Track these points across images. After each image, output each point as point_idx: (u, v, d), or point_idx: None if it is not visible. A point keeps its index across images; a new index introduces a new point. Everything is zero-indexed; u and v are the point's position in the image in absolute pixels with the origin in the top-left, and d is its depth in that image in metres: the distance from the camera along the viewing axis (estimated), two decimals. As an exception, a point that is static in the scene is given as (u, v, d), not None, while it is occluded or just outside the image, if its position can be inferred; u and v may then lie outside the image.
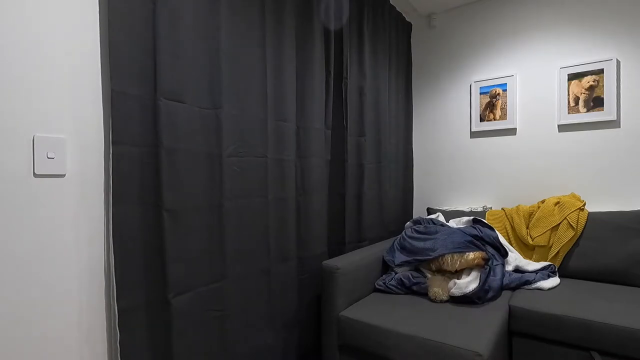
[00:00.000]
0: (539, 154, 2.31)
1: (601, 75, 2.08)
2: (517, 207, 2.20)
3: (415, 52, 2.81)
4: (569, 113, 2.18)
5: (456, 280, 1.65)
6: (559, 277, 1.86)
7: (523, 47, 2.35)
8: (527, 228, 2.09)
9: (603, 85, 2.07)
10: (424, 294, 1.71)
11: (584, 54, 2.15)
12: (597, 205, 2.11)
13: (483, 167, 2.52)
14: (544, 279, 1.78)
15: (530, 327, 1.54)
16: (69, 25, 1.00)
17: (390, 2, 2.45)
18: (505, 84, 2.39)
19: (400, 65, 2.60)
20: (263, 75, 1.50)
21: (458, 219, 2.16)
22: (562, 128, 2.22)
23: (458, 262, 1.72)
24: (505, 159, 2.43)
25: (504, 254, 1.88)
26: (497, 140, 2.46)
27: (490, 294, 1.61)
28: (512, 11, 2.40)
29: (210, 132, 1.29)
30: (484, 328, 1.36)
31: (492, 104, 2.45)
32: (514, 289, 1.78)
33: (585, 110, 2.13)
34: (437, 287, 1.65)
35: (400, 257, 1.88)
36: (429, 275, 1.78)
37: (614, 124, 2.07)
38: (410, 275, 1.78)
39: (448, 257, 1.74)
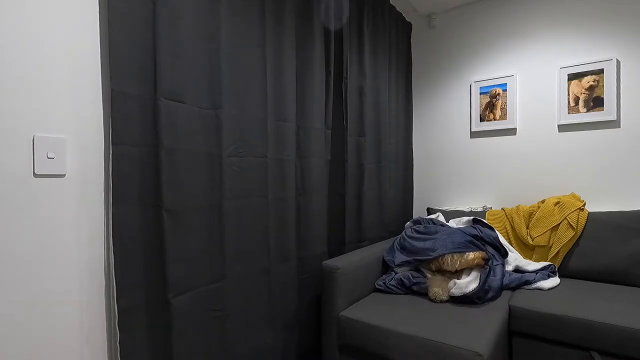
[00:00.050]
0: (539, 154, 2.31)
1: (601, 75, 2.08)
2: (517, 207, 2.20)
3: (415, 52, 2.81)
4: (569, 113, 2.18)
5: (456, 280, 1.65)
6: (559, 277, 1.86)
7: (523, 47, 2.35)
8: (527, 228, 2.09)
9: (603, 85, 2.07)
10: (424, 294, 1.71)
11: (584, 54, 2.15)
12: (597, 205, 2.11)
13: (483, 167, 2.52)
14: (544, 279, 1.78)
15: (530, 327, 1.54)
16: (69, 25, 1.00)
17: (390, 2, 2.45)
18: (505, 84, 2.39)
19: (400, 65, 2.60)
20: (263, 75, 1.50)
21: (458, 219, 2.16)
22: (562, 128, 2.22)
23: (458, 262, 1.72)
24: (505, 159, 2.43)
25: (504, 254, 1.88)
26: (497, 140, 2.46)
27: (490, 294, 1.61)
28: (512, 11, 2.40)
29: (210, 132, 1.29)
30: (484, 328, 1.36)
31: (492, 104, 2.45)
32: (514, 289, 1.78)
33: (585, 110, 2.13)
34: (437, 287, 1.65)
35: (400, 257, 1.88)
36: (429, 275, 1.78)
37: (614, 124, 2.07)
38: (410, 275, 1.78)
39: (448, 257, 1.74)
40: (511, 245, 2.06)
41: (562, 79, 2.19)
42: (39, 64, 0.94)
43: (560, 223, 1.97)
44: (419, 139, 2.82)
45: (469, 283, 1.62)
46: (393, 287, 1.77)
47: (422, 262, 1.84)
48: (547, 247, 1.99)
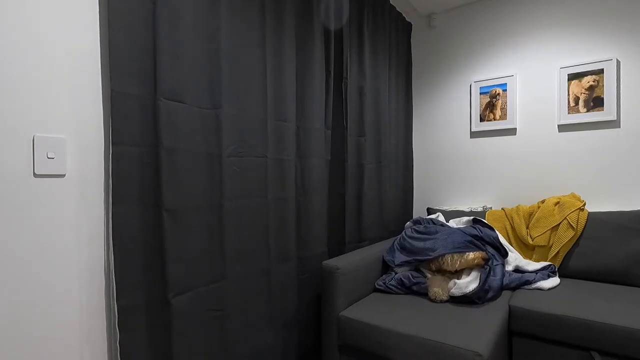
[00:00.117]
0: (539, 154, 2.31)
1: (601, 75, 2.08)
2: (517, 207, 2.20)
3: (415, 52, 2.81)
4: (569, 113, 2.18)
5: (456, 280, 1.65)
6: (559, 277, 1.86)
7: (523, 47, 2.35)
8: (527, 228, 2.09)
9: (603, 85, 2.07)
10: (424, 294, 1.71)
11: (584, 54, 2.15)
12: (597, 205, 2.11)
13: (483, 167, 2.52)
14: (544, 279, 1.78)
15: (530, 327, 1.54)
16: (69, 25, 1.00)
17: (390, 2, 2.45)
18: (505, 84, 2.39)
19: (400, 65, 2.60)
20: (263, 75, 1.50)
21: (458, 219, 2.16)
22: (562, 128, 2.22)
23: (458, 262, 1.72)
24: (505, 159, 2.43)
25: (504, 254, 1.88)
26: (497, 140, 2.46)
27: (490, 294, 1.61)
28: (512, 11, 2.40)
29: (210, 132, 1.29)
30: (484, 328, 1.36)
31: (492, 104, 2.45)
32: (514, 289, 1.78)
33: (585, 110, 2.13)
34: (437, 287, 1.65)
35: (400, 257, 1.88)
36: (429, 275, 1.78)
37: (614, 124, 2.07)
38: (410, 275, 1.78)
39: (448, 257, 1.74)
40: (511, 245, 2.06)
41: (562, 79, 2.19)
42: (39, 64, 0.94)
43: (560, 223, 1.97)
44: (419, 139, 2.82)
45: (469, 283, 1.62)
46: (393, 287, 1.77)
47: (422, 262, 1.84)
48: (547, 247, 1.99)
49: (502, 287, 1.71)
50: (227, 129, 1.34)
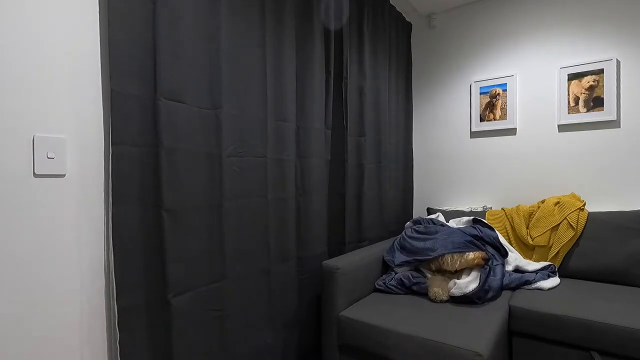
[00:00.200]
0: (539, 154, 2.31)
1: (601, 75, 2.08)
2: (517, 207, 2.20)
3: (415, 52, 2.81)
4: (569, 113, 2.18)
5: (456, 280, 1.65)
6: (559, 277, 1.86)
7: (523, 47, 2.35)
8: (527, 228, 2.09)
9: (603, 85, 2.07)
10: (424, 294, 1.71)
11: (584, 54, 2.15)
12: (597, 205, 2.11)
13: (483, 167, 2.52)
14: (544, 279, 1.78)
15: (530, 327, 1.54)
16: (69, 25, 1.00)
17: (390, 2, 2.45)
18: (505, 84, 2.39)
19: (400, 65, 2.60)
20: (263, 75, 1.50)
21: (458, 219, 2.16)
22: (562, 128, 2.22)
23: (458, 262, 1.72)
24: (505, 159, 2.43)
25: (504, 254, 1.88)
26: (497, 140, 2.46)
27: (490, 294, 1.61)
28: (512, 11, 2.40)
29: (210, 132, 1.29)
30: (484, 328, 1.36)
31: (492, 104, 2.45)
32: (514, 289, 1.78)
33: (585, 110, 2.13)
34: (437, 287, 1.65)
35: (400, 257, 1.88)
36: (429, 275, 1.78)
37: (614, 124, 2.07)
38: (410, 275, 1.78)
39: (448, 257, 1.74)
40: (511, 245, 2.06)
41: (562, 79, 2.19)
42: (39, 64, 0.94)
43: (560, 223, 1.97)
44: (419, 139, 2.82)
45: (469, 283, 1.62)
46: (393, 287, 1.77)
47: (422, 262, 1.84)
48: (547, 247, 1.99)
49: (502, 287, 1.71)
50: (227, 129, 1.34)
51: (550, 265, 1.89)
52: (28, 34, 0.92)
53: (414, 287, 1.74)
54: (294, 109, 1.65)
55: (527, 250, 2.06)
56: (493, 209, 2.38)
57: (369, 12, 2.19)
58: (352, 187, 2.05)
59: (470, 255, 1.71)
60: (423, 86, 2.79)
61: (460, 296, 1.59)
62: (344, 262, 1.65)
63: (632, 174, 2.03)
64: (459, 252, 1.73)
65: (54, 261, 0.97)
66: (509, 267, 1.89)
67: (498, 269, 1.73)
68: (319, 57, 1.79)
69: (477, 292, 1.58)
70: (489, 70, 2.48)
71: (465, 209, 2.41)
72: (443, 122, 2.69)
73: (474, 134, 2.55)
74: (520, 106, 2.37)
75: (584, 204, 2.00)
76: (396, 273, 1.85)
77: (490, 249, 1.85)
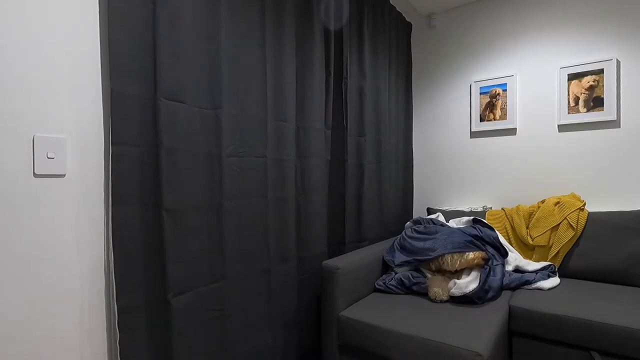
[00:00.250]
0: (539, 154, 2.31)
1: (601, 75, 2.08)
2: (517, 207, 2.20)
3: (415, 52, 2.81)
4: (569, 113, 2.18)
5: (456, 280, 1.65)
6: (559, 277, 1.86)
7: (523, 47, 2.35)
8: (527, 228, 2.09)
9: (603, 85, 2.07)
10: (424, 294, 1.71)
11: (584, 54, 2.15)
12: (597, 205, 2.11)
13: (483, 167, 2.52)
14: (544, 279, 1.78)
15: (530, 327, 1.54)
16: (69, 25, 1.00)
17: (390, 2, 2.45)
18: (505, 84, 2.39)
19: (400, 65, 2.60)
20: (263, 75, 1.50)
21: (458, 219, 2.16)
22: (562, 128, 2.22)
23: (458, 262, 1.72)
24: (505, 159, 2.43)
25: (504, 254, 1.88)
26: (497, 140, 2.46)
27: (490, 294, 1.61)
28: (512, 11, 2.40)
29: (210, 132, 1.29)
30: (484, 328, 1.36)
31: (492, 104, 2.45)
32: (514, 289, 1.78)
33: (585, 110, 2.13)
34: (437, 287, 1.65)
35: (400, 257, 1.88)
36: (429, 275, 1.78)
37: (614, 124, 2.07)
38: (410, 275, 1.78)
39: (448, 257, 1.74)
40: (511, 245, 2.06)
41: (562, 79, 2.19)
42: (39, 64, 0.94)
43: (560, 223, 1.97)
44: (419, 139, 2.82)
45: (469, 283, 1.62)
46: (393, 287, 1.77)
47: (422, 262, 1.84)
48: (547, 247, 1.99)
49: (502, 287, 1.71)
50: (227, 129, 1.34)
51: (550, 265, 1.89)
52: (28, 34, 0.92)
53: (414, 287, 1.74)
54: (294, 109, 1.65)
55: (527, 250, 2.06)
56: (493, 209, 2.38)
57: (369, 12, 2.19)
58: (352, 187, 2.05)
59: (470, 255, 1.71)
60: (423, 86, 2.79)
61: (460, 296, 1.59)
62: (344, 262, 1.65)
63: (632, 174, 2.03)
64: (459, 252, 1.73)
65: (54, 261, 0.97)
66: (509, 267, 1.89)
67: (498, 269, 1.73)
68: (319, 57, 1.79)
69: (477, 292, 1.58)
70: (489, 70, 2.48)
71: (465, 209, 2.41)
72: (443, 122, 2.69)
73: (474, 134, 2.55)
74: (520, 106, 2.37)
75: (584, 204, 2.00)
76: (396, 273, 1.85)
77: (490, 249, 1.85)
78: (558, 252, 1.94)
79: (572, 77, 2.16)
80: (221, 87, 1.31)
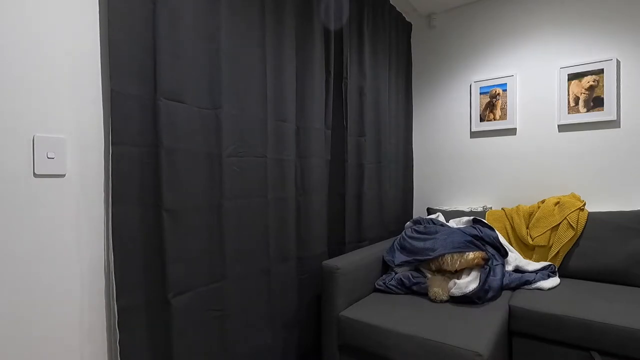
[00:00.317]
0: (539, 154, 2.31)
1: (601, 75, 2.08)
2: (517, 207, 2.20)
3: (415, 52, 2.81)
4: (569, 113, 2.18)
5: (456, 280, 1.65)
6: (559, 277, 1.86)
7: (523, 47, 2.35)
8: (527, 228, 2.09)
9: (603, 85, 2.07)
10: (424, 294, 1.71)
11: (584, 54, 2.15)
12: (597, 205, 2.11)
13: (483, 167, 2.52)
14: (544, 279, 1.78)
15: (530, 327, 1.54)
16: (69, 25, 1.00)
17: (390, 2, 2.45)
18: (505, 84, 2.39)
19: (400, 65, 2.60)
20: (263, 75, 1.50)
21: (458, 219, 2.16)
22: (562, 128, 2.22)
23: (458, 262, 1.72)
24: (505, 159, 2.43)
25: (504, 254, 1.88)
26: (497, 140, 2.46)
27: (490, 294, 1.61)
28: (512, 11, 2.40)
29: (210, 132, 1.29)
30: (484, 328, 1.36)
31: (492, 104, 2.45)
32: (514, 289, 1.78)
33: (585, 110, 2.13)
34: (437, 287, 1.65)
35: (400, 257, 1.88)
36: (429, 275, 1.78)
37: (614, 124, 2.07)
38: (410, 275, 1.78)
39: (448, 257, 1.74)
40: (511, 245, 2.06)
41: (562, 79, 2.19)
42: (39, 64, 0.94)
43: (560, 223, 1.97)
44: (419, 139, 2.82)
45: (469, 283, 1.62)
46: (393, 287, 1.77)
47: (422, 262, 1.84)
48: (547, 247, 1.99)
49: (502, 287, 1.71)
50: (227, 129, 1.34)
51: (550, 265, 1.89)
52: (28, 34, 0.92)
53: (414, 287, 1.74)
54: (294, 109, 1.65)
55: (527, 250, 2.06)
56: (493, 209, 2.38)
57: (369, 12, 2.19)
58: (352, 187, 2.05)
59: (470, 255, 1.71)
60: (423, 86, 2.79)
61: (460, 296, 1.59)
62: (344, 262, 1.65)
63: (632, 174, 2.03)
64: (459, 252, 1.73)
65: (54, 261, 0.97)
66: (509, 267, 1.89)
67: (498, 269, 1.73)
68: (319, 57, 1.79)
69: (477, 292, 1.58)
70: (489, 70, 2.48)
71: (465, 209, 2.41)
72: (443, 122, 2.69)
73: (474, 134, 2.55)
74: (520, 106, 2.37)
75: (584, 204, 2.00)
76: (396, 273, 1.85)
77: (490, 249, 1.85)
78: (558, 252, 1.94)
79: (572, 77, 2.16)
80: (221, 87, 1.31)
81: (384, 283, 1.80)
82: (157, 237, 1.14)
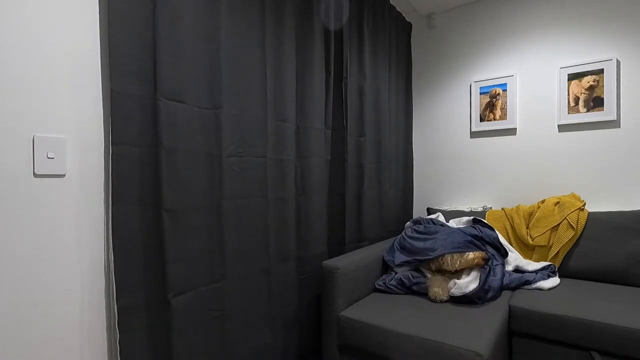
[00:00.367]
0: (539, 154, 2.31)
1: (601, 75, 2.08)
2: (517, 207, 2.20)
3: (415, 52, 2.81)
4: (569, 113, 2.18)
5: (456, 280, 1.65)
6: (559, 277, 1.86)
7: (523, 47, 2.35)
8: (527, 228, 2.09)
9: (603, 85, 2.07)
10: (424, 294, 1.71)
11: (584, 54, 2.15)
12: (597, 205, 2.11)
13: (483, 167, 2.52)
14: (544, 279, 1.78)
15: (530, 327, 1.54)
16: (69, 25, 1.00)
17: (390, 2, 2.45)
18: (505, 84, 2.39)
19: (400, 65, 2.60)
20: (263, 75, 1.50)
21: (458, 219, 2.16)
22: (562, 128, 2.22)
23: (458, 262, 1.72)
24: (505, 159, 2.43)
25: (504, 254, 1.88)
26: (497, 140, 2.46)
27: (490, 294, 1.61)
28: (512, 11, 2.40)
29: (210, 132, 1.29)
30: (484, 328, 1.36)
31: (492, 104, 2.45)
32: (514, 289, 1.78)
33: (585, 110, 2.13)
34: (437, 287, 1.65)
35: (400, 257, 1.88)
36: (429, 275, 1.78)
37: (614, 124, 2.07)
38: (410, 275, 1.78)
39: (448, 257, 1.74)
40: (511, 245, 2.06)
41: (562, 79, 2.19)
42: (39, 64, 0.94)
43: (560, 223, 1.97)
44: (419, 139, 2.82)
45: (469, 283, 1.62)
46: (393, 287, 1.77)
47: (422, 262, 1.84)
48: (547, 247, 1.99)
49: (502, 287, 1.71)
50: (227, 129, 1.34)
51: (550, 265, 1.89)
52: (28, 34, 0.92)
53: (414, 287, 1.74)
54: (294, 109, 1.65)
55: (527, 250, 2.06)
56: (493, 209, 2.38)
57: (369, 12, 2.19)
58: (352, 187, 2.05)
59: (470, 255, 1.71)
60: (423, 86, 2.79)
61: (460, 296, 1.59)
62: (344, 262, 1.65)
63: (632, 174, 2.03)
64: (459, 252, 1.73)
65: (54, 261, 0.97)
66: (509, 267, 1.89)
67: (498, 269, 1.73)
68: (319, 57, 1.79)
69: (477, 292, 1.58)
70: (489, 70, 2.48)
71: (465, 209, 2.41)
72: (443, 122, 2.69)
73: (474, 134, 2.55)
74: (520, 106, 2.37)
75: (584, 204, 2.00)
76: (396, 273, 1.85)
77: (490, 249, 1.85)
78: (558, 252, 1.94)
79: (572, 77, 2.16)
80: (221, 87, 1.31)
81: (384, 283, 1.80)
82: (157, 237, 1.14)
